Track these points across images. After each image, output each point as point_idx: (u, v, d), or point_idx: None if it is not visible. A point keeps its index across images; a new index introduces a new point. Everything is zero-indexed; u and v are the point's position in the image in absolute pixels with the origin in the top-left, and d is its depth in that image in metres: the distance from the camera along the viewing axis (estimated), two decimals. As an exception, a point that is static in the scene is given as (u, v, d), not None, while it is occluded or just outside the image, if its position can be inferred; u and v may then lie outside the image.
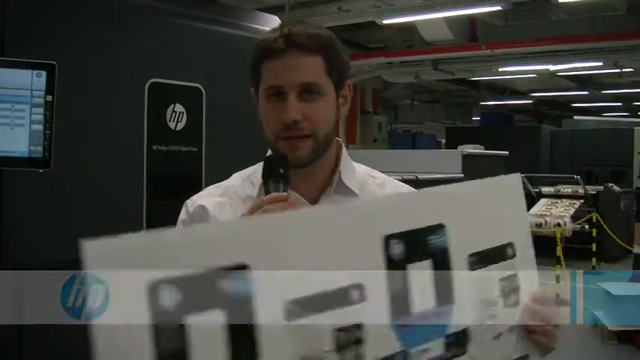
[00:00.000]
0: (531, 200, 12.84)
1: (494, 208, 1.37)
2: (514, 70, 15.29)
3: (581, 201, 12.41)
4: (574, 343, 7.16)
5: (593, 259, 11.38)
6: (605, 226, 11.38)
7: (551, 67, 14.65)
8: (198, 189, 1.71)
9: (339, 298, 1.13)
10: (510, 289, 1.35)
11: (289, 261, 1.09)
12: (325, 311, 1.11)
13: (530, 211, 12.18)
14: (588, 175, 14.50)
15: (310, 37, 1.52)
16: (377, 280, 1.17)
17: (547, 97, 21.47)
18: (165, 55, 3.54)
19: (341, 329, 1.13)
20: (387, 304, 1.18)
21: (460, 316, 1.27)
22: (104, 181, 3.18)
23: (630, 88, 18.58)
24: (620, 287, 7.47)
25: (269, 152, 1.59)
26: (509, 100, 21.21)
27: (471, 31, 13.24)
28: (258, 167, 1.61)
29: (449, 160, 8.19)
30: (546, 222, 11.71)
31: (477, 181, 1.38)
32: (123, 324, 0.93)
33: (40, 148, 2.46)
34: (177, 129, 3.57)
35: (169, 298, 0.95)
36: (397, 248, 1.20)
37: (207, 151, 3.70)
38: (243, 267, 1.03)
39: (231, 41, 3.84)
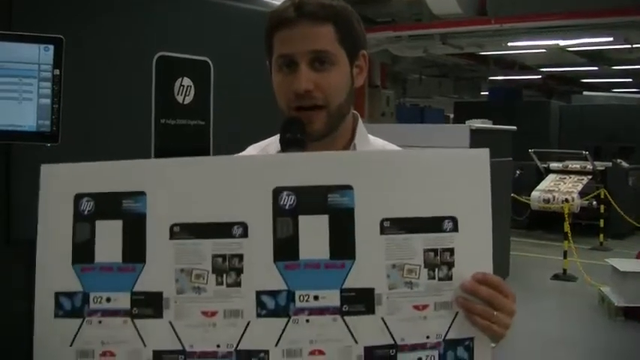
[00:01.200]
0: (539, 176, 12.82)
1: (444, 179, 1.34)
2: (523, 45, 15.18)
3: (590, 177, 12.39)
4: (581, 319, 7.18)
5: (601, 236, 11.39)
6: (613, 203, 11.36)
7: (561, 43, 14.52)
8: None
9: (221, 230, 1.31)
10: (440, 263, 1.32)
11: (181, 193, 1.33)
12: (207, 238, 1.31)
13: (538, 187, 12.17)
14: (597, 151, 14.41)
15: (321, 7, 1.51)
16: (261, 222, 1.31)
17: (556, 72, 21.34)
18: (173, 29, 3.52)
19: (219, 255, 1.31)
20: (271, 244, 1.31)
21: (363, 274, 1.30)
22: (112, 155, 3.17)
23: (640, 64, 18.43)
24: (627, 264, 7.47)
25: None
26: (518, 75, 21.09)
27: (480, 4, 13.12)
28: (274, 139, 1.62)
29: (457, 135, 8.14)
30: (554, 198, 11.70)
31: (437, 151, 1.38)
32: (56, 218, 1.34)
33: (47, 122, 2.46)
34: (185, 102, 3.57)
35: (86, 206, 1.34)
36: (287, 199, 1.31)
37: (215, 125, 3.69)
38: (141, 193, 1.33)
39: (239, 15, 3.81)
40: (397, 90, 20.75)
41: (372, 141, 1.69)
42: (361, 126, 1.66)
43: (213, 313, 1.29)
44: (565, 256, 9.06)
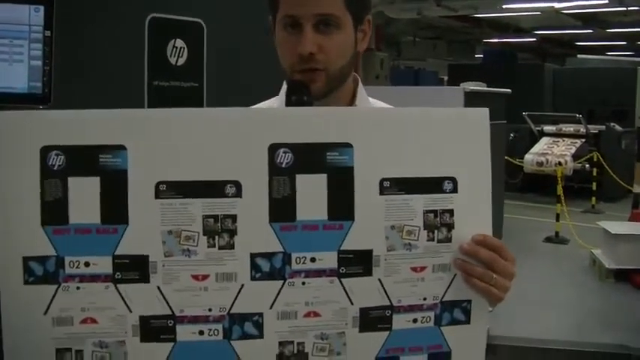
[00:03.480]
0: (533, 139, 12.81)
1: (444, 139, 1.31)
2: (518, 8, 15.10)
3: (583, 140, 12.39)
4: (572, 281, 7.23)
5: (593, 198, 11.43)
6: (605, 166, 11.39)
7: (556, 5, 14.47)
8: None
9: (213, 189, 1.24)
10: (440, 224, 1.31)
11: (167, 148, 1.24)
12: (196, 197, 1.24)
13: (531, 150, 12.17)
14: (590, 114, 14.41)
15: None
16: (256, 181, 1.25)
17: (551, 35, 21.26)
18: (166, -10, 3.49)
19: (210, 216, 1.24)
20: (266, 205, 1.25)
21: (361, 236, 1.28)
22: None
23: (635, 27, 18.36)
24: (619, 226, 7.51)
25: (284, 85, 1.57)
26: (513, 37, 21.00)
27: (476, -34, 13.02)
28: (275, 100, 1.62)
29: (451, 97, 8.11)
30: (547, 160, 11.71)
31: (437, 110, 1.35)
32: (18, 174, 1.22)
33: (39, 84, 2.44)
34: (178, 64, 3.54)
35: (55, 160, 1.22)
36: (284, 157, 1.26)
37: (208, 87, 3.67)
38: (121, 147, 1.23)
39: (232, -25, 3.77)
40: (391, 52, 20.66)
41: (373, 103, 1.68)
42: (361, 88, 1.65)
43: (205, 277, 1.25)
44: (557, 219, 9.11)
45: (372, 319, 1.30)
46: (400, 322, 1.31)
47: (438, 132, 1.32)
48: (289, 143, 1.26)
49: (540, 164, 11.74)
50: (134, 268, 1.24)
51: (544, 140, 12.60)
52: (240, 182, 1.25)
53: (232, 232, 1.25)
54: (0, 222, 1.23)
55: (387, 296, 1.30)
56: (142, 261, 1.24)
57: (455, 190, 1.32)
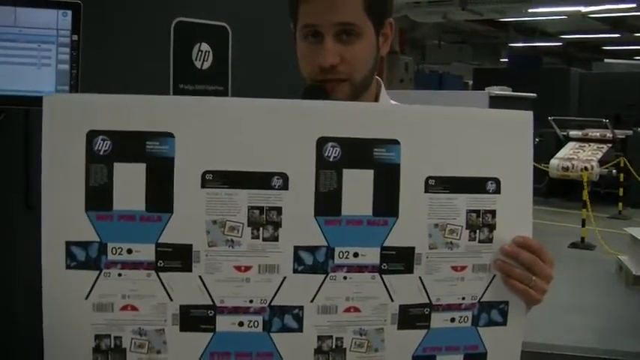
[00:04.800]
0: (559, 144, 12.73)
1: (489, 139, 1.31)
2: (544, 12, 15.01)
3: (609, 145, 12.30)
4: (598, 287, 7.17)
5: (620, 204, 11.33)
6: (632, 171, 11.28)
7: (583, 9, 14.36)
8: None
9: (259, 180, 1.23)
10: (482, 224, 1.31)
11: (215, 137, 1.23)
12: (242, 188, 1.23)
13: (557, 155, 12.10)
14: (617, 119, 14.28)
15: None
16: (303, 174, 1.24)
17: (577, 39, 21.10)
18: (192, -6, 3.50)
19: (256, 207, 1.23)
20: (312, 198, 1.24)
21: (405, 233, 1.27)
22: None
23: (663, 31, 18.19)
24: (645, 232, 7.44)
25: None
26: (539, 42, 20.87)
27: (502, -30, 12.97)
28: None
29: (476, 102, 8.09)
30: (573, 165, 11.64)
31: (482, 110, 1.36)
32: (64, 158, 1.22)
33: (66, 88, 2.46)
34: (203, 68, 3.56)
35: (102, 145, 1.21)
36: (332, 151, 1.25)
37: (233, 90, 3.68)
38: (169, 134, 1.22)
39: (257, -21, 3.79)
40: (416, 56, 20.62)
41: None
42: (384, 92, 1.63)
43: (247, 268, 1.24)
44: (583, 225, 9.04)
45: (410, 317, 1.30)
46: (438, 320, 1.31)
47: (483, 132, 1.32)
48: (338, 137, 1.25)
49: (566, 169, 11.66)
50: (177, 257, 1.23)
51: (570, 145, 12.53)
52: (287, 174, 1.24)
53: (277, 225, 1.24)
54: (44, 205, 1.23)
55: (427, 294, 1.30)
56: (185, 250, 1.23)
57: (498, 190, 1.31)
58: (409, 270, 1.28)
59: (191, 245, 1.23)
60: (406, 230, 1.28)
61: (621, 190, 11.27)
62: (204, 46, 3.56)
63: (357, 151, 1.26)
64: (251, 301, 1.25)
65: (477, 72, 20.77)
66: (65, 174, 1.22)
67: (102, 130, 1.21)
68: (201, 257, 1.23)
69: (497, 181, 1.31)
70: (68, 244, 1.23)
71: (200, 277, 1.24)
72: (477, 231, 1.31)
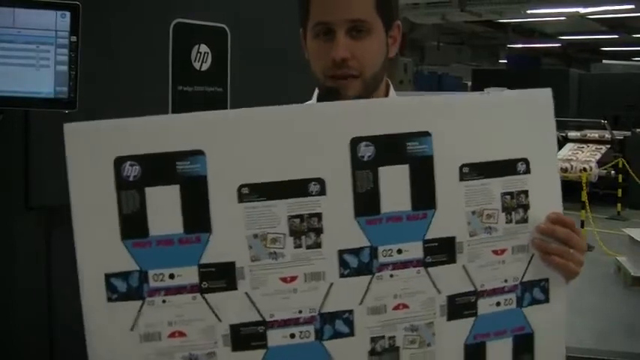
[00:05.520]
0: (557, 144, 12.73)
1: (513, 120, 1.33)
2: (543, 13, 15.02)
3: (608, 146, 12.31)
4: (597, 288, 7.17)
5: (618, 205, 11.34)
6: (631, 172, 11.29)
7: (581, 10, 14.37)
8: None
9: (296, 188, 1.22)
10: (517, 205, 1.32)
11: (247, 149, 1.21)
12: (280, 198, 1.21)
13: (555, 156, 12.08)
14: (615, 120, 14.28)
15: None
16: (339, 177, 1.23)
17: (576, 40, 21.11)
18: (190, -5, 3.51)
19: (296, 216, 1.22)
20: (351, 200, 1.24)
21: (444, 224, 1.28)
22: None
23: (662, 32, 18.20)
24: (644, 233, 7.45)
25: (316, 91, 1.57)
26: (538, 43, 20.88)
27: (500, -29, 12.98)
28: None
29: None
30: (572, 167, 11.64)
31: (500, 93, 1.38)
32: (93, 188, 1.18)
33: (65, 89, 2.46)
34: (202, 69, 3.56)
35: (130, 171, 1.18)
36: (366, 150, 1.24)
37: (232, 92, 3.68)
38: (199, 152, 1.19)
39: (256, -19, 3.79)
40: (415, 57, 20.61)
41: None
42: (393, 93, 1.65)
43: (293, 279, 1.22)
44: (582, 226, 9.04)
45: (458, 306, 1.30)
46: (484, 306, 1.32)
47: (507, 114, 1.33)
48: (370, 136, 1.24)
49: (565, 170, 11.66)
50: (221, 276, 1.21)
51: (568, 146, 12.53)
52: (324, 179, 1.23)
53: (319, 231, 1.23)
54: (78, 238, 1.19)
55: (472, 282, 1.31)
56: (229, 268, 1.21)
57: (528, 170, 1.33)
58: (452, 260, 1.29)
59: (234, 262, 1.21)
60: (445, 221, 1.28)
61: (620, 191, 11.28)
62: (203, 48, 3.56)
63: (391, 148, 1.25)
64: (300, 312, 1.23)
65: (475, 73, 20.77)
66: (96, 204, 1.19)
67: (129, 156, 1.18)
68: (246, 273, 1.21)
69: (526, 161, 1.33)
70: (107, 276, 1.19)
71: (246, 293, 1.22)
72: (513, 212, 1.32)
